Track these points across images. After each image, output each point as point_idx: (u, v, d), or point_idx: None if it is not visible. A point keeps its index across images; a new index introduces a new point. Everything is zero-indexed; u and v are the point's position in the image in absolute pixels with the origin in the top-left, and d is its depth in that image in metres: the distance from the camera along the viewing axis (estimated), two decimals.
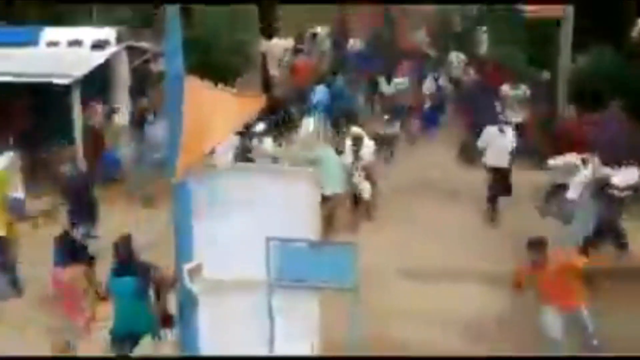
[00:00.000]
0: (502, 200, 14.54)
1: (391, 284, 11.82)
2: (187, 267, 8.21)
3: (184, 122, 8.35)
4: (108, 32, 17.07)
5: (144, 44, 17.47)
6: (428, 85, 21.28)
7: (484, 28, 24.46)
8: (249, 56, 20.38)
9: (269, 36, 24.16)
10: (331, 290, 8.12)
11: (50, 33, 17.12)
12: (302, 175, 8.57)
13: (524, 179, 15.19)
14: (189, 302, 7.90)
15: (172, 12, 8.29)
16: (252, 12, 20.99)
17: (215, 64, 19.09)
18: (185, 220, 8.28)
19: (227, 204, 8.33)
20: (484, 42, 24.39)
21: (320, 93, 18.98)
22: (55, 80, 15.28)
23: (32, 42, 16.92)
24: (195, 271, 8.26)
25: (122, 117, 16.81)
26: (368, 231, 13.86)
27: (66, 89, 15.38)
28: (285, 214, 8.25)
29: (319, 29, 25.88)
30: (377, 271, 11.49)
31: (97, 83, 16.45)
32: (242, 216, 8.32)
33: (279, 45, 23.35)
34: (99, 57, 16.40)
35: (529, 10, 18.04)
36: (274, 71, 22.25)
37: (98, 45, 16.66)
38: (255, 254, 8.19)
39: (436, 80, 21.53)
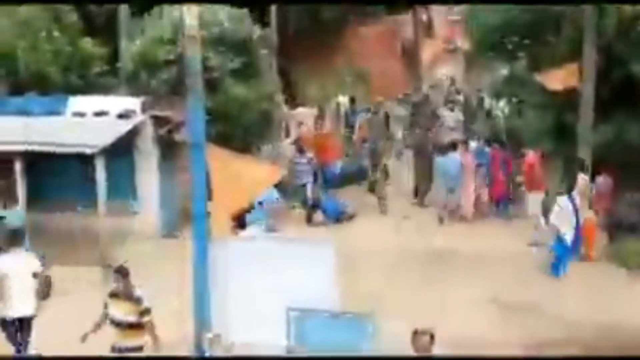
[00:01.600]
0: None
1: None
2: (207, 335, 8.28)
3: (213, 186, 8.53)
4: (134, 102, 17.32)
5: (168, 113, 17.61)
6: None
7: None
8: (273, 125, 20.56)
9: (295, 106, 24.71)
10: None
11: (76, 102, 17.38)
12: (323, 246, 8.63)
13: None
14: None
15: (194, 81, 8.56)
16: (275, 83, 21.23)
17: (241, 133, 19.45)
18: (204, 286, 8.37)
19: (250, 272, 8.42)
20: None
21: None
22: (81, 150, 15.49)
23: (58, 111, 17.20)
24: (215, 340, 8.32)
25: None
26: None
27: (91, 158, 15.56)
28: (306, 283, 8.31)
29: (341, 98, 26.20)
30: None
31: (123, 152, 16.63)
32: (264, 284, 8.40)
33: (304, 113, 23.73)
34: (124, 126, 16.57)
35: (546, 81, 18.13)
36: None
37: (124, 115, 16.87)
38: (276, 322, 8.23)
39: None
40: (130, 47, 20.42)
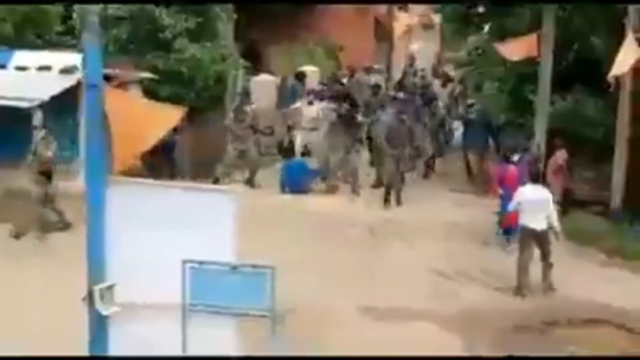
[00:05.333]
0: None
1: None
2: (98, 287, 7.86)
3: (114, 129, 8.11)
4: (78, 58, 16.83)
5: (115, 71, 17.17)
6: None
7: None
8: (227, 88, 20.13)
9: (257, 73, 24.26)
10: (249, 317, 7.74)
11: (20, 57, 16.94)
12: (223, 195, 8.20)
13: None
14: (100, 325, 7.59)
15: (91, 19, 8.10)
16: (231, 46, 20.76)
17: (197, 95, 19.07)
18: (98, 235, 7.97)
19: (144, 221, 8.01)
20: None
21: None
22: (19, 104, 15.09)
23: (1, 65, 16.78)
24: (107, 292, 7.91)
25: None
26: None
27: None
28: (204, 234, 7.90)
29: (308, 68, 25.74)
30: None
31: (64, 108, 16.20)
32: (159, 235, 7.99)
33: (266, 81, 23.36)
34: (66, 81, 16.13)
35: (504, 52, 17.85)
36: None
37: (66, 71, 16.42)
38: (171, 276, 7.82)
39: None
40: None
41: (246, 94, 20.99)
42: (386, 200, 16.91)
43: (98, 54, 8.16)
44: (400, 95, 22.33)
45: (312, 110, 19.99)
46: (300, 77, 24.27)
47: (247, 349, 7.94)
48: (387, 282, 12.53)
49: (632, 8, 15.51)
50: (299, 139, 20.01)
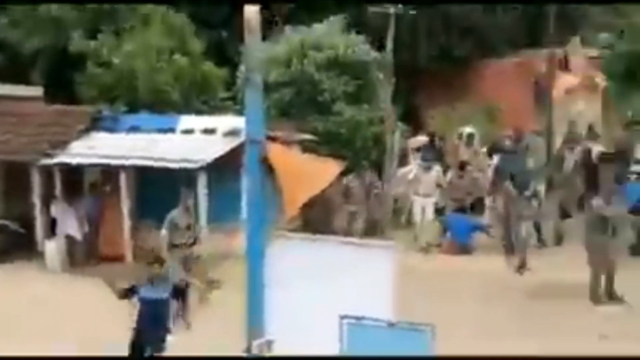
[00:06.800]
0: None
1: None
2: (257, 342, 7.96)
3: (282, 179, 8.29)
4: (242, 121, 17.28)
5: (279, 133, 17.58)
6: None
7: None
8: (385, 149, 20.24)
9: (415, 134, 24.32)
10: None
11: (186, 121, 17.61)
12: (381, 249, 8.19)
13: None
14: None
15: (252, 75, 8.33)
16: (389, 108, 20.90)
17: (355, 155, 19.30)
18: (258, 290, 8.08)
19: (303, 276, 8.09)
20: None
21: None
22: (184, 165, 15.65)
23: (169, 129, 17.47)
24: (265, 348, 8.00)
25: None
26: None
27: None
28: (362, 289, 7.91)
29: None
30: None
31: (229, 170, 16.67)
32: (317, 289, 8.05)
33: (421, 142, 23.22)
34: (230, 144, 16.61)
35: None
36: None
37: (231, 133, 16.92)
38: (329, 331, 7.84)
39: None
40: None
41: (404, 155, 21.03)
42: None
43: (260, 110, 8.39)
44: None
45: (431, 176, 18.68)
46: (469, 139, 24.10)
47: None
48: None
49: None
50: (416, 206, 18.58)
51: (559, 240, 18.50)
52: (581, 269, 14.62)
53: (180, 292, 11.90)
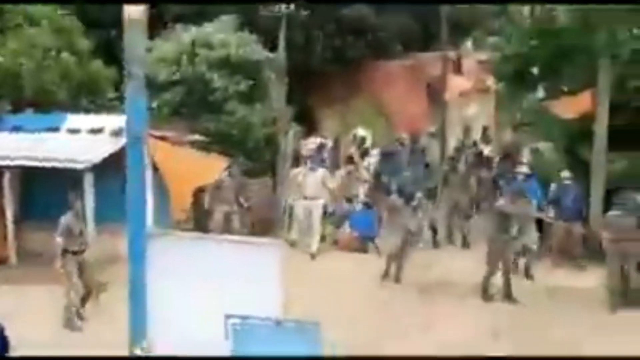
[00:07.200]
0: None
1: None
2: (139, 344, 7.70)
3: (168, 177, 8.02)
4: None
5: (169, 133, 17.24)
6: None
7: None
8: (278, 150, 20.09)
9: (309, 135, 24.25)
10: None
11: (72, 120, 17.13)
12: (267, 247, 8.02)
13: None
14: None
15: (135, 70, 8.05)
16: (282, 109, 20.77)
17: (247, 157, 19.09)
18: (140, 290, 7.84)
19: (189, 275, 7.87)
20: None
21: None
22: (71, 166, 15.20)
23: (54, 129, 16.95)
24: (148, 348, 7.75)
25: None
26: None
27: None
28: (248, 287, 7.73)
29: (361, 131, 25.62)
30: None
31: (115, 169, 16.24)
32: (202, 288, 7.84)
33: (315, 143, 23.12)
34: (118, 144, 16.19)
35: (558, 110, 17.59)
36: None
37: (118, 133, 16.49)
38: (214, 331, 7.64)
39: None
40: None
41: (297, 157, 20.88)
42: None
43: (142, 107, 8.11)
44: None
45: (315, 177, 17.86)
46: (360, 141, 24.21)
47: None
48: None
49: None
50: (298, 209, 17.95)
51: (463, 240, 18.62)
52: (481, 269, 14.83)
53: None
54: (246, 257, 7.92)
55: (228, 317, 7.67)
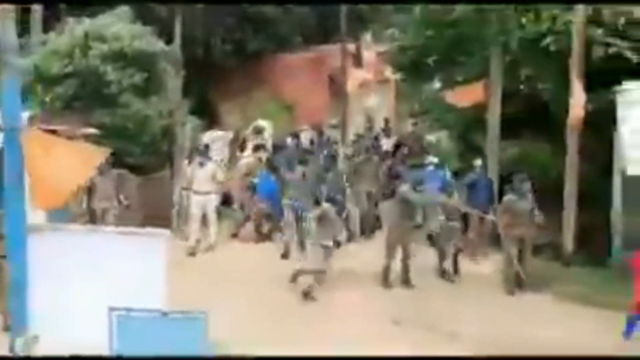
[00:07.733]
0: None
1: None
2: (20, 339, 7.54)
3: (30, 171, 7.82)
4: (24, 115, 16.43)
5: (61, 127, 16.82)
6: None
7: None
8: (175, 143, 19.81)
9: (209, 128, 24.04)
10: None
11: None
12: (152, 238, 7.92)
13: None
14: None
15: (9, 59, 7.86)
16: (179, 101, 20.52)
17: (143, 150, 18.81)
18: (21, 284, 7.69)
19: (70, 266, 7.72)
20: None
21: None
22: None
23: None
24: (30, 344, 7.59)
25: None
26: None
27: None
28: (134, 279, 7.63)
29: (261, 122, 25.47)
30: None
31: None
32: (85, 281, 7.71)
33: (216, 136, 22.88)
34: None
35: (452, 99, 17.89)
36: None
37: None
38: (98, 324, 7.51)
39: None
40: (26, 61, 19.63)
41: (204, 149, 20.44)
42: None
43: (17, 96, 7.92)
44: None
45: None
46: (259, 131, 24.01)
47: None
48: None
49: None
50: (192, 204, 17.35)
51: (370, 230, 18.54)
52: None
53: None
54: (132, 248, 7.82)
55: (112, 309, 7.55)
